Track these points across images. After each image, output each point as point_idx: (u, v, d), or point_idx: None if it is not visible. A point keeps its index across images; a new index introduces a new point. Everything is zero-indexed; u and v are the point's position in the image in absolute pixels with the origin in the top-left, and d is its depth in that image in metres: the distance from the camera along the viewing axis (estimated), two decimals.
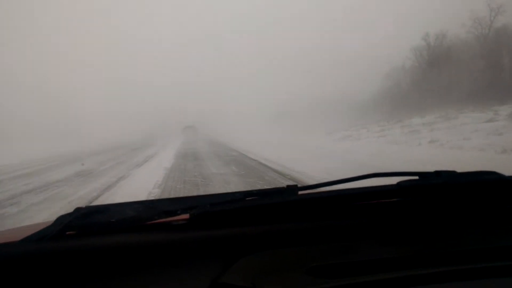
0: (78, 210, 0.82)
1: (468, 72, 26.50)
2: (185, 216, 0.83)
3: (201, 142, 25.16)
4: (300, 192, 0.89)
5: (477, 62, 26.05)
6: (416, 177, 0.91)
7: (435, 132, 14.63)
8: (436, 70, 29.48)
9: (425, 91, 28.55)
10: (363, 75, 36.47)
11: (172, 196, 3.64)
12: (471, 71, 26.00)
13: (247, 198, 0.87)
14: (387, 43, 36.98)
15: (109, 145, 25.50)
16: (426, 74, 31.24)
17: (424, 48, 32.70)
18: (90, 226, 0.79)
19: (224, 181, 7.68)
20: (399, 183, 0.86)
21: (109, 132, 41.01)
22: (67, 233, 0.77)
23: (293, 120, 36.08)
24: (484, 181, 0.89)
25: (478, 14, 27.94)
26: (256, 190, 0.89)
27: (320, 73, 40.18)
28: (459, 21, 29.70)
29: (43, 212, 5.83)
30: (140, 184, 8.01)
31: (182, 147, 21.06)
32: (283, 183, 6.80)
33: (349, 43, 41.06)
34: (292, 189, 0.89)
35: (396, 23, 37.44)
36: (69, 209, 1.40)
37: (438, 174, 0.92)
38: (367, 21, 43.18)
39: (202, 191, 6.68)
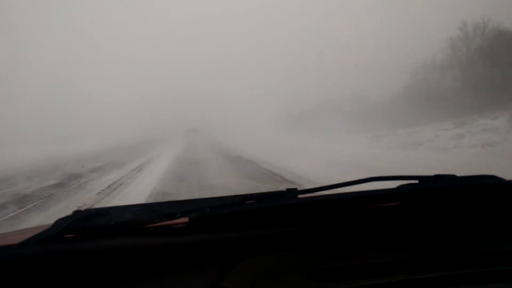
0: (77, 213, 0.81)
1: None
2: (185, 219, 0.82)
3: (217, 161, 13.10)
4: (300, 196, 0.88)
5: None
6: (416, 181, 0.90)
7: None
8: (481, 65, 25.16)
9: (470, 89, 24.24)
10: (383, 73, 31.91)
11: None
12: None
13: (247, 202, 0.85)
14: (412, 35, 32.62)
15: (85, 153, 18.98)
16: (467, 69, 26.89)
17: (462, 39, 28.41)
18: (89, 229, 0.78)
19: None
20: (399, 187, 0.85)
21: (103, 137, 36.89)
22: (66, 236, 0.77)
23: (311, 123, 31.17)
24: (484, 185, 0.88)
25: None
26: (255, 194, 0.88)
27: (333, 72, 35.43)
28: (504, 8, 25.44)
29: None
30: None
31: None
32: None
33: (366, 35, 36.46)
34: (292, 193, 0.88)
35: (423, 12, 33.08)
36: None
37: (438, 178, 0.91)
38: (388, 10, 38.54)
39: None
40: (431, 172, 0.97)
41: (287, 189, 0.88)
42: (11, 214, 6.32)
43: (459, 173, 0.96)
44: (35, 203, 7.23)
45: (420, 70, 31.88)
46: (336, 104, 32.72)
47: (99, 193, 8.01)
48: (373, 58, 32.47)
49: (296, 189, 0.89)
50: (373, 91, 31.39)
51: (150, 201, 6.65)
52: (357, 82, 33.43)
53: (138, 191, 7.81)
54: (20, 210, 6.54)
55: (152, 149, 21.06)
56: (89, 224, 0.78)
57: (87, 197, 7.62)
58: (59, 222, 0.78)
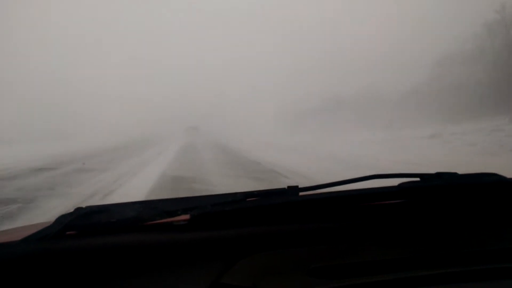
0: (78, 210, 0.81)
1: None
2: (186, 216, 0.82)
3: None
4: (301, 193, 0.88)
5: None
6: (418, 179, 0.90)
7: None
8: None
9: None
10: (401, 65, 27.84)
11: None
12: None
13: (248, 199, 0.86)
14: (437, 21, 28.76)
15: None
16: (506, 57, 23.18)
17: (501, 24, 24.72)
18: (91, 226, 0.79)
19: None
20: (400, 185, 0.85)
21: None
22: (67, 233, 0.77)
23: (325, 120, 26.93)
24: (485, 183, 0.88)
25: None
26: (257, 191, 0.88)
27: (349, 65, 31.31)
28: None
29: None
30: None
31: None
32: None
33: (381, 25, 32.39)
34: (293, 190, 0.88)
35: None
36: None
37: (439, 175, 0.90)
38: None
39: None
40: None
41: (288, 187, 0.89)
42: None
43: None
44: None
45: (445, 63, 28.01)
46: (352, 100, 28.66)
47: None
48: (396, 49, 28.48)
49: (297, 186, 0.89)
50: (397, 84, 27.50)
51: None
52: (377, 75, 29.39)
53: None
54: None
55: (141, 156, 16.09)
56: (90, 221, 0.78)
57: None
58: (61, 219, 0.78)
